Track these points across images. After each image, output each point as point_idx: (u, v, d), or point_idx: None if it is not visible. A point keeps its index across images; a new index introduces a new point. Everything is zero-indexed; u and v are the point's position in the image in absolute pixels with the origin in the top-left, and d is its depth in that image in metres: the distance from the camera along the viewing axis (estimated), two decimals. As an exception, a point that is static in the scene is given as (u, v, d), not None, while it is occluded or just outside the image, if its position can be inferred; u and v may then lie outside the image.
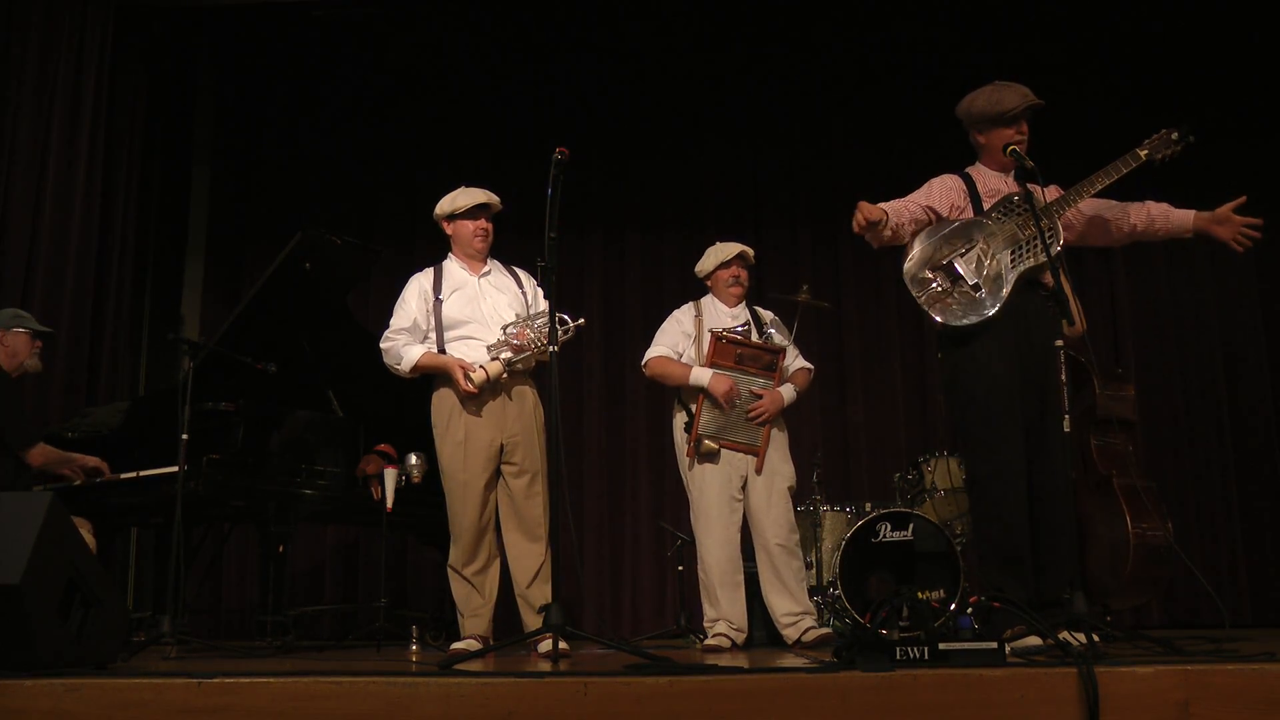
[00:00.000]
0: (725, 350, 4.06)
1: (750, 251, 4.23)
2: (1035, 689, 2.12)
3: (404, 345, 3.80)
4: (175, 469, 3.74)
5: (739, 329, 4.14)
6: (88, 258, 5.34)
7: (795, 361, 4.23)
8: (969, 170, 3.51)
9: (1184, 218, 3.45)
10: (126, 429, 4.36)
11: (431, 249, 6.60)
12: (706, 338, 4.10)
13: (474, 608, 3.69)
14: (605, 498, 6.33)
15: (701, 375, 4.03)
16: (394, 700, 2.12)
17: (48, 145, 5.24)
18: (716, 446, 3.98)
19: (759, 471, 4.00)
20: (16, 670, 2.28)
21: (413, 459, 4.18)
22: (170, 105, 6.51)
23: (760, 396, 4.02)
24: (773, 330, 4.22)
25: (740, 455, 4.01)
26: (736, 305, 4.23)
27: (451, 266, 3.93)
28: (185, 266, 6.70)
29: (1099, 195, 3.36)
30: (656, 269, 6.61)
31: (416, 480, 4.18)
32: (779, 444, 4.09)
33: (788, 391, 4.08)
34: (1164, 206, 3.48)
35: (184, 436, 3.71)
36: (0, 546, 2.39)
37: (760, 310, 4.30)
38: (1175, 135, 3.30)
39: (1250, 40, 6.22)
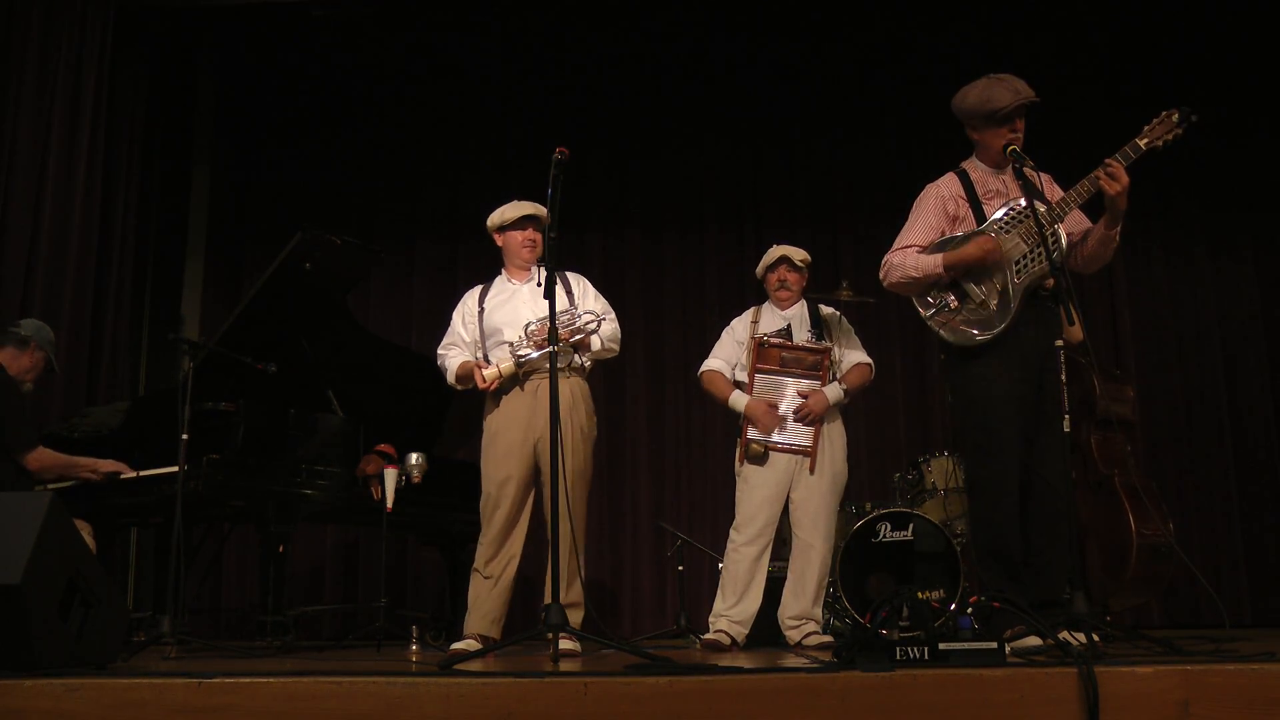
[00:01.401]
0: (769, 355, 4.08)
1: (796, 253, 4.22)
2: (1035, 689, 2.12)
3: (449, 358, 3.93)
4: (175, 469, 3.74)
5: (780, 332, 4.15)
6: (88, 258, 5.33)
7: (850, 357, 4.19)
8: (965, 166, 3.45)
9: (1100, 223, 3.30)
10: (126, 429, 4.36)
11: (432, 249, 6.67)
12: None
13: (482, 607, 3.70)
14: (605, 498, 6.33)
15: (738, 401, 4.07)
16: (394, 700, 2.12)
17: (48, 145, 5.23)
18: (763, 449, 3.99)
19: (811, 471, 4.00)
20: (16, 670, 2.28)
21: (413, 459, 4.18)
22: (170, 105, 6.51)
23: (806, 398, 4.02)
24: (814, 330, 4.19)
25: (790, 457, 4.01)
26: (789, 307, 4.23)
27: (500, 279, 4.03)
28: (185, 266, 6.71)
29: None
30: (656, 269, 6.61)
31: (416, 480, 4.17)
32: (832, 444, 4.07)
33: (833, 391, 4.06)
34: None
35: (184, 436, 3.71)
36: (0, 546, 2.39)
37: (822, 308, 4.30)
38: (1176, 117, 3.19)
39: (1249, 39, 6.23)
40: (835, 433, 4.10)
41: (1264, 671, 2.16)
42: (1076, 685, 2.11)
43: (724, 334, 4.31)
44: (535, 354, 3.73)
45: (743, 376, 4.14)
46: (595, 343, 3.82)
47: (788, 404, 4.04)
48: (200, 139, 6.89)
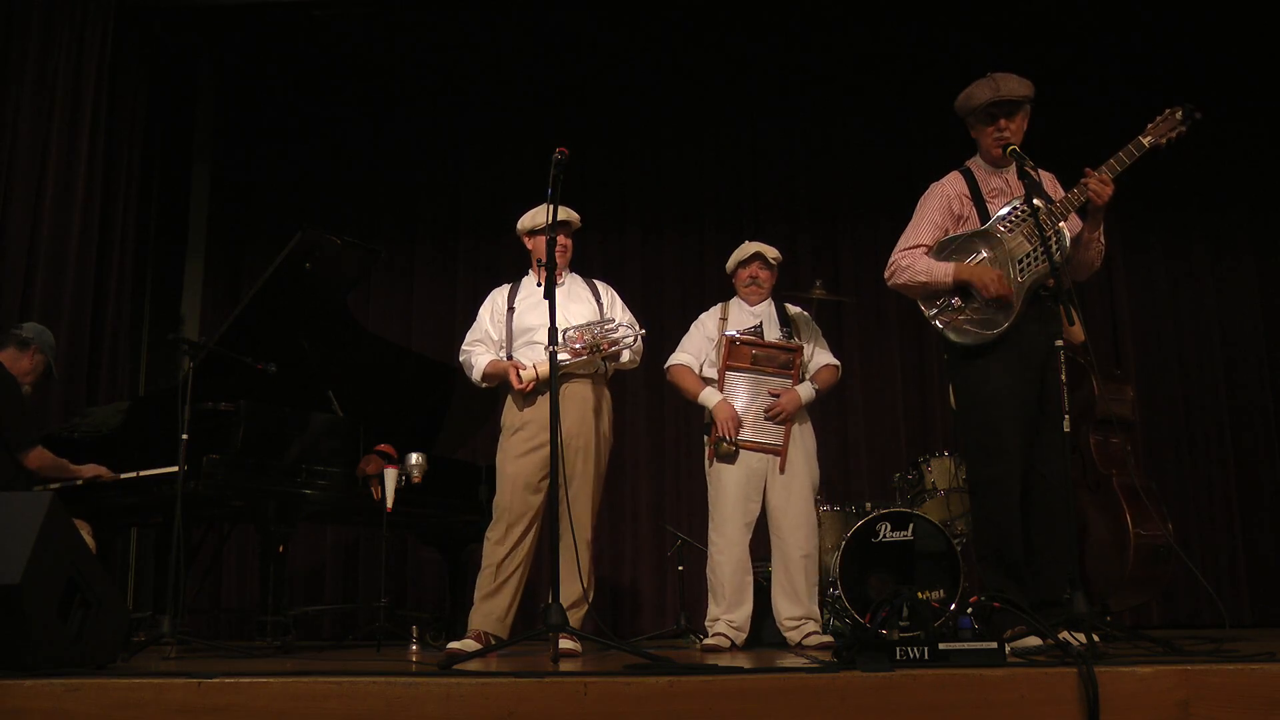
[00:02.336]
0: (739, 352, 4.07)
1: (770, 252, 4.22)
2: (1035, 689, 2.12)
3: (476, 355, 3.91)
4: (175, 469, 3.74)
5: (751, 330, 4.14)
6: (88, 258, 5.33)
7: (818, 358, 4.19)
8: (970, 165, 3.46)
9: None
10: (127, 429, 4.36)
11: (432, 249, 6.67)
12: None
13: (487, 604, 3.69)
14: (605, 498, 6.29)
15: (709, 398, 4.06)
16: (394, 700, 2.12)
17: (48, 145, 5.23)
18: (733, 448, 3.99)
19: (781, 471, 3.99)
20: (16, 670, 2.28)
21: (413, 459, 4.18)
22: (170, 105, 6.51)
23: (778, 396, 4.01)
24: (784, 329, 4.18)
25: (761, 456, 4.00)
26: (758, 304, 4.22)
27: (529, 280, 4.02)
28: (185, 266, 6.71)
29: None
30: (656, 269, 6.61)
31: (417, 480, 4.17)
32: (803, 443, 4.06)
33: (805, 390, 4.05)
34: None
35: (184, 436, 3.71)
36: (0, 546, 2.39)
37: (789, 307, 4.28)
38: (1180, 114, 3.20)
39: (1249, 38, 6.23)
40: (806, 432, 4.09)
41: (1264, 671, 2.16)
42: (1076, 685, 2.11)
43: (692, 328, 4.28)
44: (572, 360, 3.74)
45: (711, 372, 4.13)
46: (626, 355, 3.84)
47: (758, 402, 4.03)
48: (200, 139, 6.89)
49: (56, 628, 2.47)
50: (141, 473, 4.12)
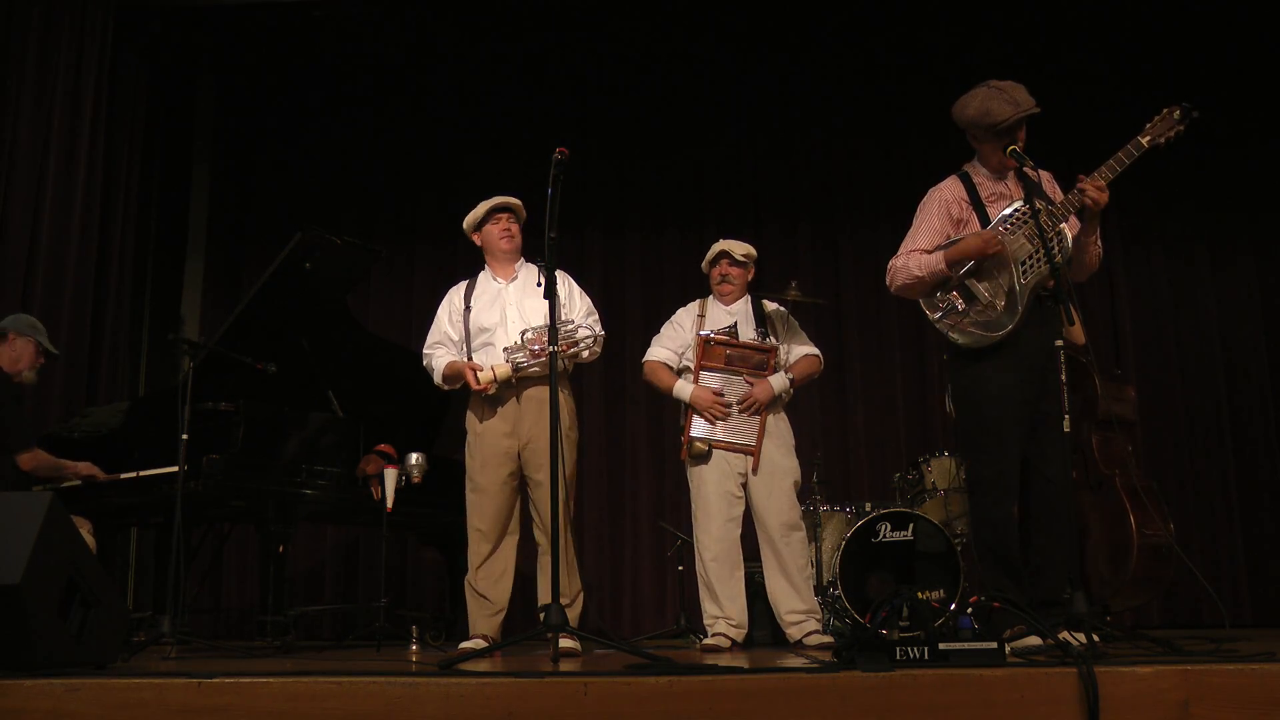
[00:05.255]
0: (714, 352, 4.05)
1: (738, 248, 4.18)
2: (1035, 689, 2.12)
3: (436, 358, 3.91)
4: (175, 469, 3.74)
5: (726, 329, 4.12)
6: (88, 258, 5.33)
7: (797, 350, 4.16)
8: (968, 169, 3.45)
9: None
10: (126, 429, 4.36)
11: (432, 249, 6.67)
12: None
13: (481, 614, 3.70)
14: (605, 498, 6.33)
15: (683, 390, 4.04)
16: (394, 700, 2.12)
17: (48, 145, 5.23)
18: (706, 448, 3.97)
19: (755, 471, 3.98)
20: (16, 670, 2.28)
21: (413, 459, 4.18)
22: (170, 105, 6.51)
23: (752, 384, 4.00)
24: (760, 329, 4.15)
25: (739, 455, 3.99)
26: (732, 303, 4.20)
27: (484, 276, 4.02)
28: (185, 266, 6.71)
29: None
30: (656, 269, 6.61)
31: (416, 480, 4.17)
32: (779, 439, 4.04)
33: (778, 381, 4.01)
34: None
35: (184, 436, 3.71)
36: (0, 546, 2.39)
37: (767, 304, 4.25)
38: (1178, 114, 3.20)
39: (1248, 38, 6.23)
40: (781, 427, 4.05)
41: (1264, 671, 2.16)
42: (1076, 685, 2.11)
43: (668, 324, 4.25)
44: (532, 364, 3.72)
45: (688, 369, 4.11)
46: (585, 353, 3.84)
47: (736, 402, 4.00)
48: (200, 139, 6.89)
49: (56, 628, 2.47)
50: (141, 473, 4.13)
